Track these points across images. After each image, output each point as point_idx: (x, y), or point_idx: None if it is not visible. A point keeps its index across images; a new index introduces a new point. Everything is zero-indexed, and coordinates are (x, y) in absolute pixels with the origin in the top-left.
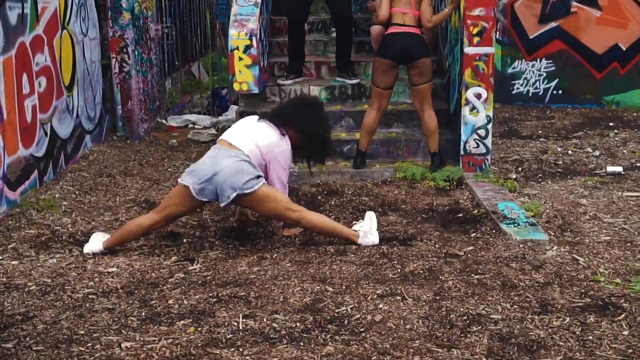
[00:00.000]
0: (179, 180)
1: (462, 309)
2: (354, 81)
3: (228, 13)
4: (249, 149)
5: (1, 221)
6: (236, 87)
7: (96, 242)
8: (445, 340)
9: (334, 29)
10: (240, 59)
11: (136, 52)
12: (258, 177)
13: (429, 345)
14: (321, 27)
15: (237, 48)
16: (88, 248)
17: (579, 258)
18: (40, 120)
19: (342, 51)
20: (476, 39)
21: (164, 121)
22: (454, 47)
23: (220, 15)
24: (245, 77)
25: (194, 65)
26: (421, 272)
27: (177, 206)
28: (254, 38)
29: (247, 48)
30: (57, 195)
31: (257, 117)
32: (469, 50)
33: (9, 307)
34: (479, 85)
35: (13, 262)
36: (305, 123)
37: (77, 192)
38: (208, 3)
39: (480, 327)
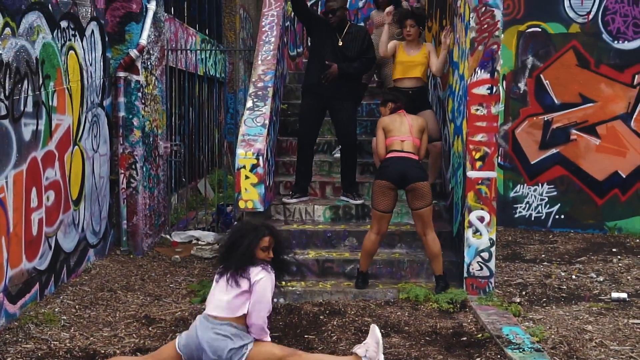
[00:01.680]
0: (176, 343)
1: None
2: (358, 202)
3: (236, 132)
4: (233, 315)
5: None
6: (242, 204)
7: None
8: None
9: (337, 150)
10: (247, 177)
11: (144, 169)
12: (241, 346)
13: None
14: (326, 148)
15: (244, 167)
16: None
17: None
18: (46, 234)
19: (346, 172)
20: (478, 164)
21: (168, 236)
22: (457, 170)
23: (228, 135)
24: (250, 196)
25: (201, 182)
26: None
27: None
28: (260, 158)
29: (254, 167)
30: (57, 309)
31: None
32: (471, 174)
33: None
34: (482, 209)
35: None
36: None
37: (77, 307)
38: (217, 123)
39: None
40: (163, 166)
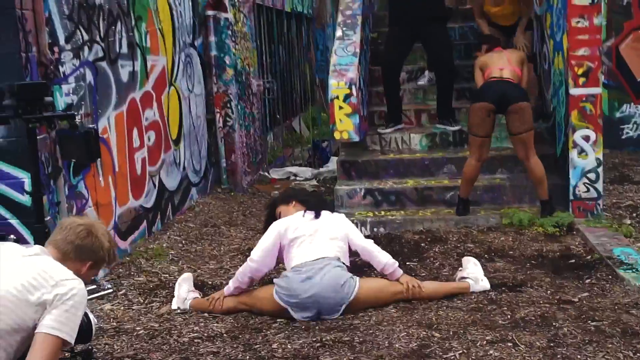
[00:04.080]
0: (274, 292)
1: (579, 357)
2: (456, 128)
3: (327, 69)
4: (334, 248)
5: (112, 269)
6: (337, 135)
7: (182, 298)
8: None
9: (421, 77)
10: (341, 107)
11: (239, 107)
12: (352, 277)
13: None
14: (420, 75)
15: (337, 97)
16: (175, 305)
17: None
18: (149, 173)
19: (443, 98)
20: (582, 80)
21: (266, 174)
22: (558, 89)
23: (320, 71)
24: (345, 126)
25: (295, 119)
26: (533, 318)
27: (268, 310)
28: (353, 87)
29: (347, 97)
30: (164, 245)
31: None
32: (574, 91)
33: (118, 350)
34: (587, 127)
35: (122, 308)
36: None
37: (183, 242)
38: (308, 59)
39: None
40: (257, 104)
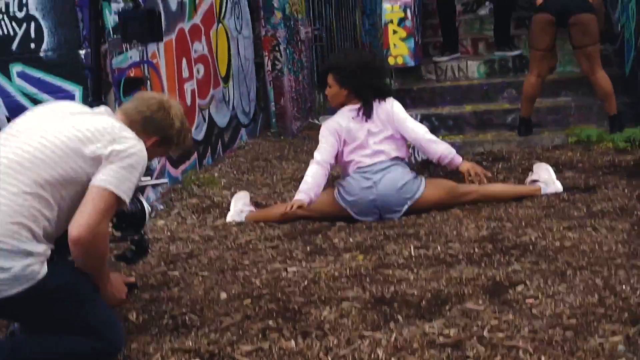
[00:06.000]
0: (335, 193)
1: None
2: (515, 52)
3: (374, 32)
4: (390, 147)
5: (164, 194)
6: (391, 61)
7: (237, 211)
8: None
9: (482, 7)
10: (395, 32)
11: (288, 51)
12: (415, 177)
13: (634, 262)
14: (475, 7)
15: (391, 21)
16: (231, 217)
17: None
18: (199, 106)
19: (501, 24)
20: None
21: (315, 121)
22: (627, 4)
23: (367, 35)
24: (400, 51)
25: None
26: (611, 210)
27: (329, 211)
28: (408, 10)
29: (402, 21)
30: (216, 175)
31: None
32: None
33: (174, 250)
34: None
35: (176, 224)
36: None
37: (235, 172)
38: (354, 23)
39: None
40: (306, 52)
